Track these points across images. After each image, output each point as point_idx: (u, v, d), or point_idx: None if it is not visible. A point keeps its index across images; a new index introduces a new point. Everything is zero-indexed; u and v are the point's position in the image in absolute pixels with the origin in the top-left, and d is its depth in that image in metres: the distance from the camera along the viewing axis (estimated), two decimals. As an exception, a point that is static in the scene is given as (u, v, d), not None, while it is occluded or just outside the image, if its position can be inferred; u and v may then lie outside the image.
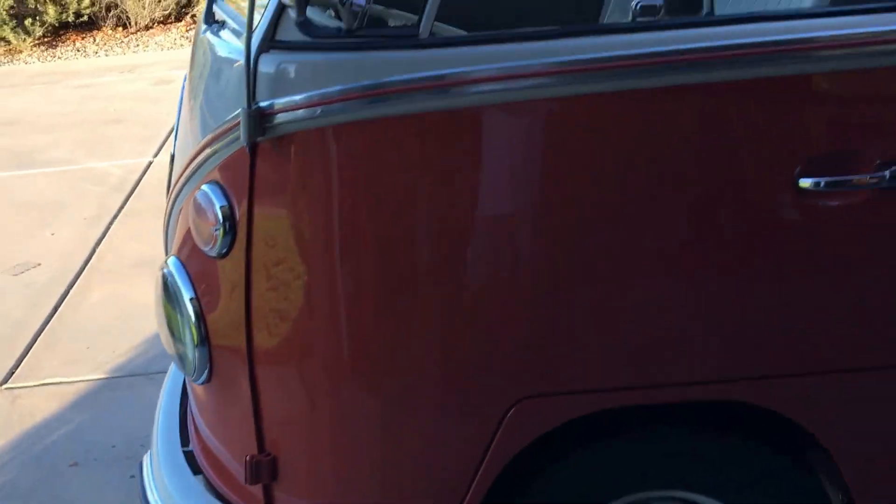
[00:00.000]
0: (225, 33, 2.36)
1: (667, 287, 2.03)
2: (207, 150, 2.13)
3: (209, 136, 2.14)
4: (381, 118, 1.96)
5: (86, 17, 10.39)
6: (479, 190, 1.99)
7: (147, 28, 10.61)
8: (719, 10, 2.56)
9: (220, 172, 2.10)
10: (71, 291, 4.61)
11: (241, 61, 1.99)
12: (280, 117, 1.95)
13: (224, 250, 2.05)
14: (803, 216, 2.00)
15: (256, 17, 2.07)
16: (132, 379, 3.81)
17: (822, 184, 1.96)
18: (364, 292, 2.02)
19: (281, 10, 1.97)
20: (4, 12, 9.93)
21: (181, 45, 9.97)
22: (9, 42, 10.01)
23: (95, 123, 7.36)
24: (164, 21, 10.74)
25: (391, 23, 2.78)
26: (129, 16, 10.51)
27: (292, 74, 1.98)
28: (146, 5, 10.47)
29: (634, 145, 1.99)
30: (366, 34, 1.97)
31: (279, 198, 2.03)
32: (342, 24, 1.98)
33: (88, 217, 5.49)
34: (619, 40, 1.98)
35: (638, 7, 2.00)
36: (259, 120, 1.95)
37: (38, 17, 10.13)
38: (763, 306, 2.03)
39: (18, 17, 10.10)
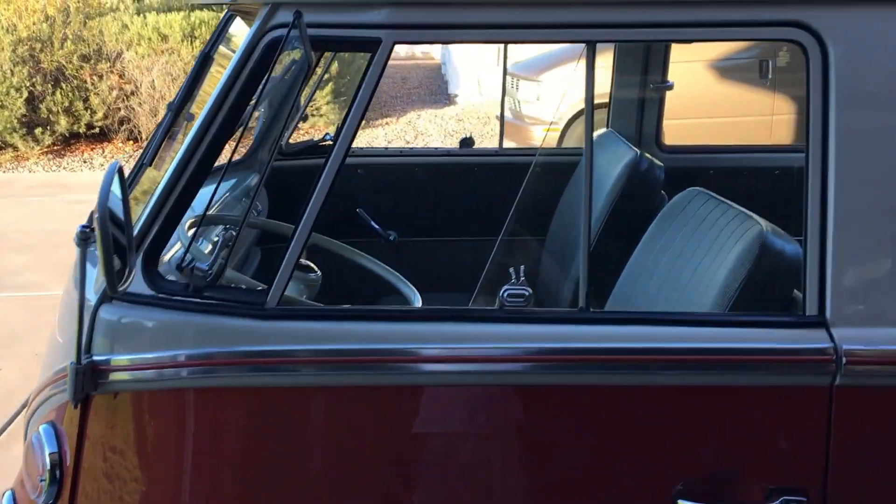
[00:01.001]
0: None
1: None
2: (48, 390, 2.05)
3: (50, 376, 2.06)
4: (216, 388, 1.89)
5: (97, 129, 10.55)
6: (301, 466, 1.91)
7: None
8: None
9: (57, 415, 2.01)
10: (-4, 440, 4.47)
11: (91, 303, 1.93)
12: (115, 375, 1.88)
13: (50, 501, 1.95)
14: None
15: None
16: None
17: None
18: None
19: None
20: (16, 120, 10.09)
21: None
22: (17, 149, 10.15)
23: (77, 246, 7.34)
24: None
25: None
26: (141, 130, 10.66)
27: (133, 330, 1.91)
28: (159, 120, 10.62)
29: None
30: (213, 296, 1.91)
31: (105, 456, 1.93)
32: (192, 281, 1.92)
33: (41, 353, 5.39)
34: (474, 331, 1.90)
35: (505, 294, 1.92)
36: (92, 374, 1.86)
37: (49, 127, 10.29)
38: None
39: (30, 124, 10.26)
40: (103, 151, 10.56)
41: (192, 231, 2.52)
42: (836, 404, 1.88)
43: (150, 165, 2.55)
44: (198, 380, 1.87)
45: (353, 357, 1.85)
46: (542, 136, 9.44)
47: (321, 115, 11.74)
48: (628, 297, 2.72)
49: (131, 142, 10.77)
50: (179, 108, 2.58)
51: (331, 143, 3.81)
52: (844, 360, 1.86)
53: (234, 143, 1.98)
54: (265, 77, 1.92)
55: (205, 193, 3.05)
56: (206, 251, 2.59)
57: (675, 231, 2.67)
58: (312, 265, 2.50)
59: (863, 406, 1.91)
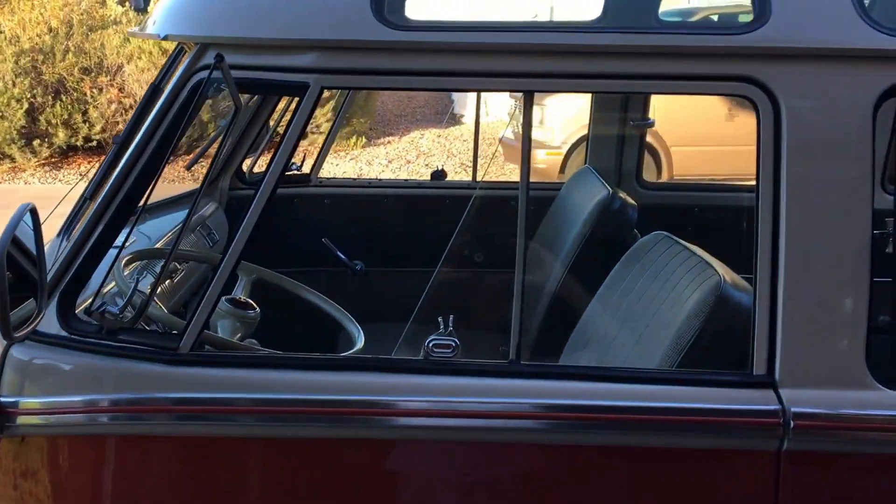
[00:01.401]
0: None
1: None
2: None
3: None
4: (131, 435, 1.84)
5: (95, 143, 10.52)
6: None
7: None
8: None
9: None
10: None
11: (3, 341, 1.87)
12: (24, 418, 1.83)
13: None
14: None
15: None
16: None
17: None
18: None
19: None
20: (15, 131, 10.07)
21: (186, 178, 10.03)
22: (14, 160, 10.13)
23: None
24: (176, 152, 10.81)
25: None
26: (142, 144, 10.62)
27: (45, 372, 1.87)
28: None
29: None
30: (127, 339, 1.86)
31: (11, 498, 1.89)
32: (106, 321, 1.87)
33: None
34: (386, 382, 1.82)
35: (430, 344, 1.86)
36: (-1, 416, 1.81)
37: (46, 139, 10.27)
38: None
39: (29, 136, 10.24)
40: (100, 164, 10.53)
41: (127, 268, 2.47)
42: (784, 470, 1.80)
43: (92, 199, 2.50)
44: (111, 426, 1.83)
45: (266, 407, 1.79)
46: (544, 160, 9.38)
47: (321, 133, 11.70)
48: (587, 341, 2.65)
49: (130, 155, 10.75)
50: (126, 141, 2.53)
51: (297, 172, 3.79)
52: (793, 423, 1.78)
53: (152, 184, 1.93)
54: (187, 117, 1.89)
55: (157, 224, 3.02)
56: (145, 288, 2.53)
57: (638, 275, 2.60)
58: (251, 302, 2.43)
59: (812, 473, 1.82)
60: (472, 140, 13.03)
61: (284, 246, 3.55)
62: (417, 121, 14.71)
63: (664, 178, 8.99)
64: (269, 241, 3.53)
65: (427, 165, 11.37)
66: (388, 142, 12.71)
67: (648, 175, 8.73)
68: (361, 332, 2.45)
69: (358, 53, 1.86)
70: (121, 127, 10.50)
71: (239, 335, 2.33)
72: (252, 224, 1.88)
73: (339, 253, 3.42)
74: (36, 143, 10.20)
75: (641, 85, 1.92)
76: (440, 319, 1.89)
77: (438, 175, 3.85)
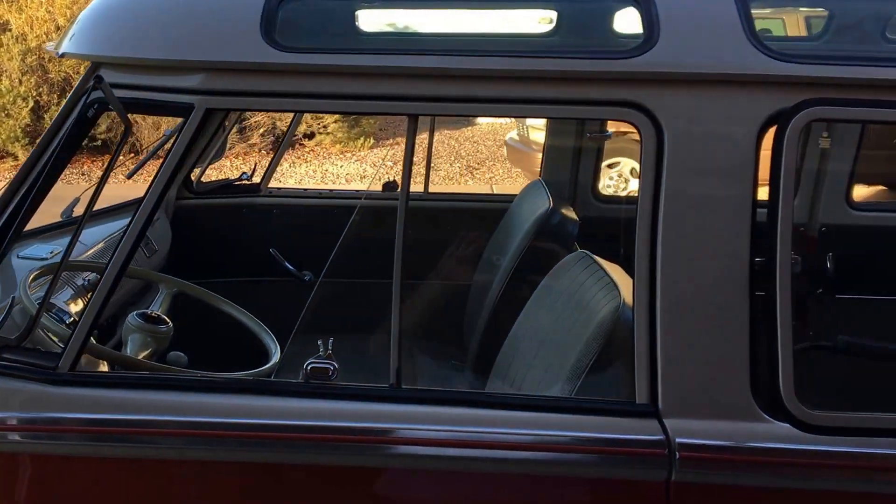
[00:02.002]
0: None
1: None
2: None
3: None
4: (12, 454, 1.85)
5: (99, 142, 10.59)
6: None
7: (160, 158, 10.72)
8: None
9: None
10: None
11: None
12: None
13: None
14: None
15: None
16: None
17: None
18: None
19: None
20: (20, 129, 10.15)
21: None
22: (17, 158, 10.21)
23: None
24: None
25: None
26: (143, 143, 10.69)
27: None
28: (162, 134, 10.63)
29: None
30: (9, 358, 1.88)
31: None
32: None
33: None
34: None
35: (308, 368, 1.85)
36: None
37: (50, 138, 10.33)
38: None
39: (32, 134, 10.32)
40: (103, 164, 10.58)
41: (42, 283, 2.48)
42: (673, 502, 1.77)
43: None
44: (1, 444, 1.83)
45: (139, 429, 1.79)
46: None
47: (328, 133, 11.71)
48: (511, 359, 2.62)
49: (132, 154, 10.81)
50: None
51: (246, 182, 3.79)
52: (678, 455, 1.75)
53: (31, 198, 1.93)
54: (67, 135, 1.89)
55: (98, 232, 3.02)
56: (64, 301, 2.54)
57: (558, 294, 2.57)
58: (163, 317, 2.43)
59: None
60: (484, 142, 12.97)
61: (232, 256, 3.55)
62: (428, 121, 14.63)
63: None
64: (217, 250, 3.54)
65: (431, 168, 11.32)
66: (396, 143, 12.68)
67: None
68: (278, 347, 2.44)
69: (245, 75, 1.84)
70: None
71: (149, 351, 2.33)
72: (130, 242, 1.87)
73: (286, 264, 3.41)
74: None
75: (527, 109, 1.89)
76: (319, 343, 1.88)
77: (390, 186, 3.82)
